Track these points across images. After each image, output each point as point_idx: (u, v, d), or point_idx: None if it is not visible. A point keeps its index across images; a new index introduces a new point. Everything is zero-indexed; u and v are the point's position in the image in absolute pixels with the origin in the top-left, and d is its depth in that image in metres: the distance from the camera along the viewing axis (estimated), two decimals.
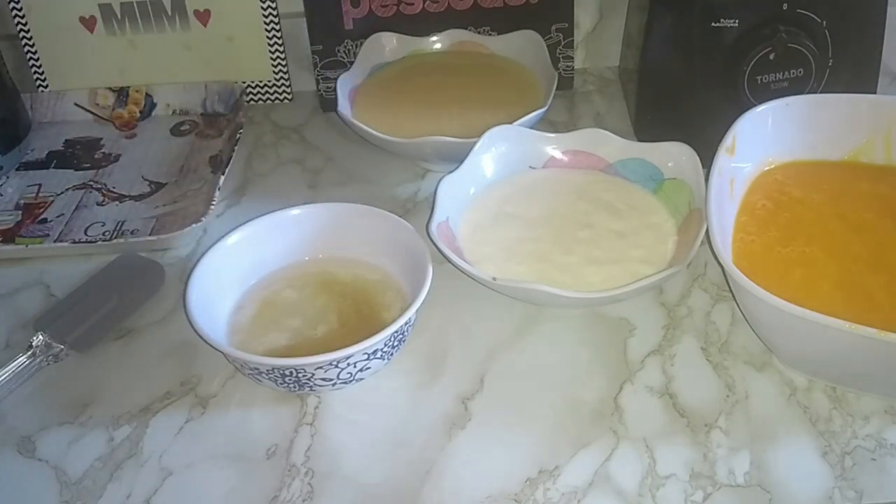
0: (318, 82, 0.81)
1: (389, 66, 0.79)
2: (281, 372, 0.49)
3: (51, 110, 0.81)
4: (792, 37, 0.63)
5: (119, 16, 0.79)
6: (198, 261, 0.56)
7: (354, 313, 0.56)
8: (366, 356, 0.50)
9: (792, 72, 0.64)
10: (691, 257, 0.55)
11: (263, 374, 0.50)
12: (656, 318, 0.58)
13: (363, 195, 0.70)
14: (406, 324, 0.51)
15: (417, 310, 0.52)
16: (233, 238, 0.57)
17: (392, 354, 0.52)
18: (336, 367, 0.49)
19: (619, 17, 0.81)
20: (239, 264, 0.57)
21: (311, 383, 0.50)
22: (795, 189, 0.60)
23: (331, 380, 0.50)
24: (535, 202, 0.64)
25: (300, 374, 0.49)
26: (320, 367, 0.49)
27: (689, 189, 0.61)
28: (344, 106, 0.72)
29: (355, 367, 0.50)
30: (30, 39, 0.80)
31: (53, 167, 0.76)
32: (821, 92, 0.65)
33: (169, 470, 0.50)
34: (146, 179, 0.74)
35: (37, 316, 0.60)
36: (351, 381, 0.51)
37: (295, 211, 0.59)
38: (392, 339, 0.51)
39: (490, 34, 0.80)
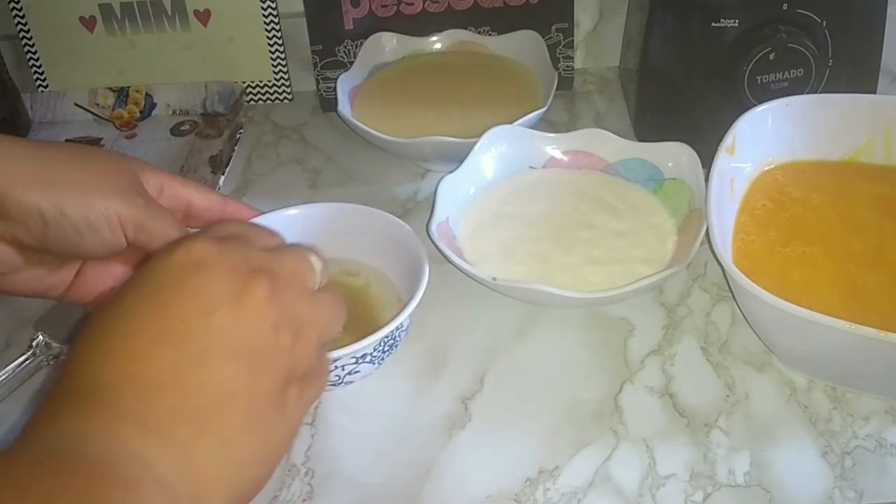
0: (318, 82, 0.81)
1: (389, 66, 0.79)
2: None
3: (51, 110, 0.81)
4: (792, 37, 0.63)
5: (119, 16, 0.79)
6: None
7: (350, 315, 0.55)
8: (354, 360, 0.49)
9: (792, 72, 0.64)
10: (691, 257, 0.55)
11: None
12: (656, 318, 0.58)
13: (363, 195, 0.70)
14: (397, 329, 0.50)
15: (412, 313, 0.51)
16: None
17: (383, 359, 0.52)
18: None
19: (619, 17, 0.81)
20: None
21: None
22: (795, 189, 0.60)
23: None
24: (535, 202, 0.64)
25: None
26: None
27: (689, 189, 0.61)
28: (344, 106, 0.72)
29: (343, 370, 0.49)
30: (30, 39, 0.80)
31: None
32: (821, 92, 0.65)
33: None
34: None
35: (37, 316, 0.60)
36: (339, 384, 0.51)
37: (292, 211, 0.59)
38: (382, 344, 0.50)
39: (490, 34, 0.80)
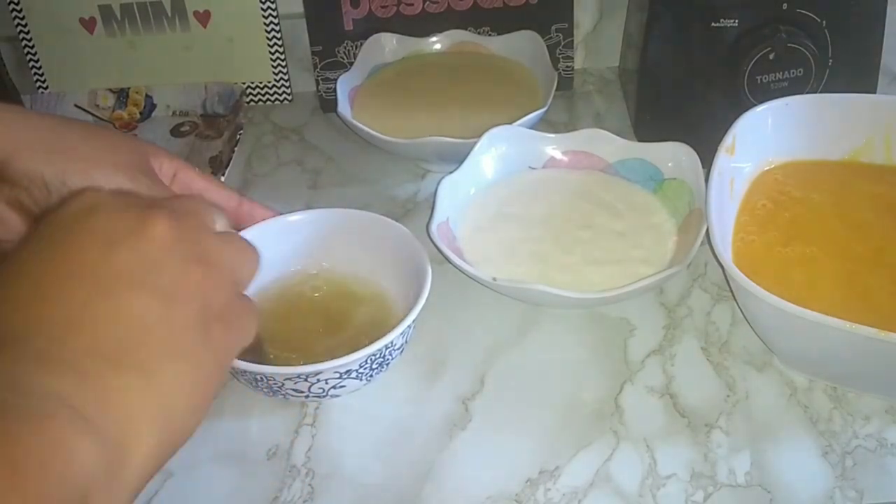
0: (318, 83, 0.81)
1: (389, 66, 0.79)
2: (253, 376, 0.48)
3: (51, 111, 0.81)
4: (792, 37, 0.63)
5: (119, 17, 0.79)
6: None
7: (352, 323, 0.55)
8: (337, 375, 0.48)
9: (792, 72, 0.64)
10: (691, 257, 0.55)
11: (239, 375, 0.49)
12: (656, 318, 0.58)
13: (363, 196, 0.70)
14: (387, 347, 0.49)
15: (407, 331, 0.50)
16: None
17: (372, 376, 0.50)
18: (306, 380, 0.48)
19: (619, 17, 0.81)
20: None
21: (283, 392, 0.49)
22: (795, 189, 0.60)
23: (302, 392, 0.49)
24: (535, 202, 0.64)
25: (271, 382, 0.48)
26: (289, 379, 0.48)
27: (689, 189, 0.61)
28: (344, 106, 0.72)
29: (327, 383, 0.48)
30: (30, 40, 0.80)
31: None
32: (821, 92, 0.65)
33: (170, 471, 0.50)
34: None
35: None
36: (324, 397, 0.50)
37: (293, 217, 0.57)
38: (369, 361, 0.49)
39: (490, 34, 0.80)
